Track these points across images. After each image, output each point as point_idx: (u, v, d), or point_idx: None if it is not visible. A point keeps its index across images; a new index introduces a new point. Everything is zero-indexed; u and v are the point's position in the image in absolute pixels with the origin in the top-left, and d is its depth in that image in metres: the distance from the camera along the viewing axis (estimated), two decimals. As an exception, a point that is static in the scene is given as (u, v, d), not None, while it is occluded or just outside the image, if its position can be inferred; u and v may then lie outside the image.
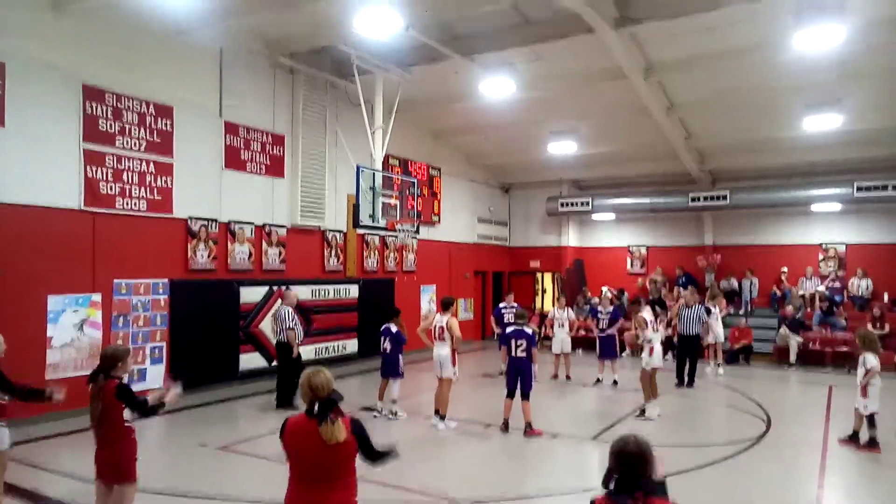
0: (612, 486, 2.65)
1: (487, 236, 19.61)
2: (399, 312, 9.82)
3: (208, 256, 10.94)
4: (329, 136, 13.20)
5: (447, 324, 8.88)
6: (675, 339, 12.47)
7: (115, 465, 4.43)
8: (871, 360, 7.73)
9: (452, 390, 8.98)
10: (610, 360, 12.15)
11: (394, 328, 9.42)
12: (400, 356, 9.33)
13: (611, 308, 12.65)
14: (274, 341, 10.24)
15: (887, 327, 14.23)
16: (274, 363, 11.83)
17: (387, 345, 9.35)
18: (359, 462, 3.44)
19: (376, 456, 3.52)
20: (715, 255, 18.04)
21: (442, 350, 8.88)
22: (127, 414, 4.44)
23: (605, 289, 17.87)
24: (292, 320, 9.88)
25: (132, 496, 4.53)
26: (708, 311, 13.51)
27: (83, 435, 8.06)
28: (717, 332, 13.91)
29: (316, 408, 3.34)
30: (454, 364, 8.87)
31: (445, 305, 9.17)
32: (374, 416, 9.20)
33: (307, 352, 12.46)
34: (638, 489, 2.60)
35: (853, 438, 7.90)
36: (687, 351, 12.14)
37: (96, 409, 4.39)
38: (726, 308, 15.54)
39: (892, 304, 15.58)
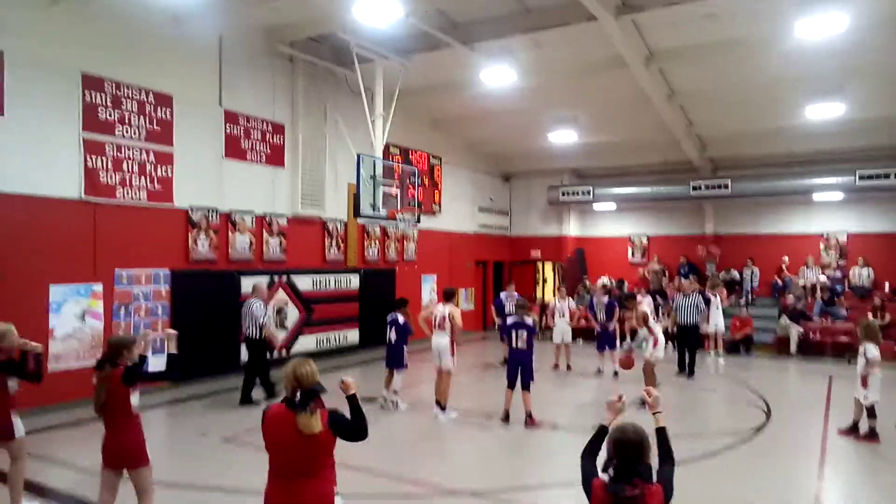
0: (611, 472, 2.75)
1: (488, 226, 19.58)
2: (406, 302, 9.73)
3: (209, 246, 10.93)
4: (329, 124, 13.15)
5: (449, 313, 8.89)
6: (672, 329, 12.47)
7: (127, 450, 4.49)
8: (872, 350, 7.72)
9: (453, 381, 9.00)
10: (610, 350, 12.16)
11: (401, 318, 9.33)
12: (405, 347, 9.31)
13: (606, 299, 12.56)
14: (246, 336, 9.64)
15: (888, 317, 14.24)
16: (275, 355, 11.91)
17: (392, 335, 9.25)
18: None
19: (358, 435, 3.48)
20: (715, 248, 18.01)
21: (441, 340, 8.89)
22: (134, 400, 4.49)
23: (602, 279, 17.86)
24: (265, 315, 9.62)
25: (150, 478, 4.60)
26: (707, 301, 13.55)
27: (85, 425, 8.11)
28: (717, 321, 13.94)
29: (298, 397, 3.35)
30: (453, 354, 8.88)
31: (448, 296, 9.17)
32: (381, 407, 9.22)
33: (309, 342, 12.52)
34: (636, 475, 2.71)
35: (853, 429, 7.92)
36: (686, 340, 12.15)
37: (101, 396, 4.42)
38: (727, 298, 15.56)
39: (894, 293, 15.58)
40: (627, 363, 9.77)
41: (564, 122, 15.35)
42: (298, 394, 3.36)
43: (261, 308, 9.60)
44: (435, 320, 9.03)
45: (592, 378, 11.91)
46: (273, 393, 9.52)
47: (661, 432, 3.14)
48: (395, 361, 9.25)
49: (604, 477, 2.85)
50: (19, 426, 5.18)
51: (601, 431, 3.15)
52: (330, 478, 3.44)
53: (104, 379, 4.42)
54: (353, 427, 3.46)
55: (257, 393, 9.60)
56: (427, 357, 9.52)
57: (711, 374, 12.52)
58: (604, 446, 3.00)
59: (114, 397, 4.41)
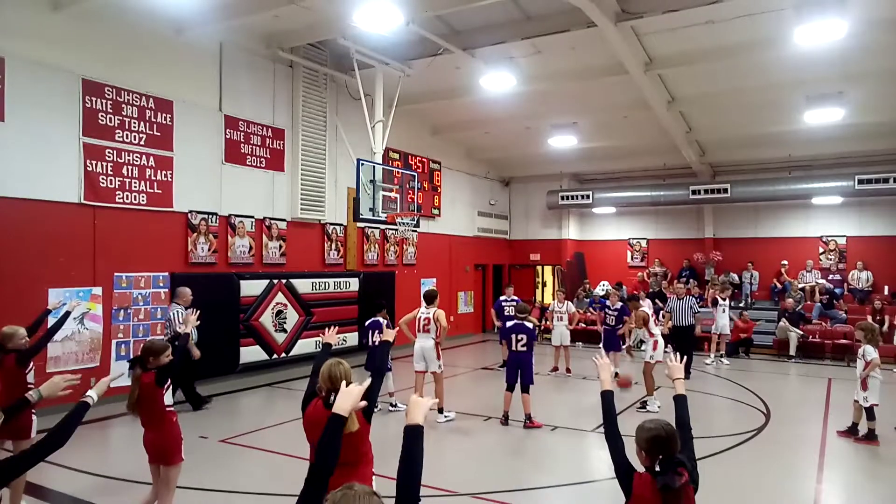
0: (657, 467, 2.90)
1: (488, 229, 19.61)
2: (384, 307, 9.54)
3: (209, 250, 10.95)
4: (329, 129, 13.19)
5: (434, 315, 8.81)
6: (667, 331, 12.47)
7: (161, 447, 4.73)
8: (871, 352, 7.74)
9: (451, 384, 9.00)
10: (613, 352, 12.12)
11: (383, 321, 9.21)
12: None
13: (619, 305, 12.41)
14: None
15: (887, 320, 14.25)
16: (274, 356, 11.95)
17: (375, 338, 9.08)
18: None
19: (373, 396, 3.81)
20: (716, 253, 18.05)
21: (426, 343, 8.84)
22: (167, 399, 4.76)
23: (606, 284, 17.86)
24: (184, 321, 9.15)
25: (177, 476, 4.82)
26: (715, 303, 13.63)
27: (83, 428, 8.12)
28: (722, 323, 14.00)
29: (332, 398, 3.45)
30: (439, 357, 8.85)
31: (429, 299, 9.08)
32: (376, 410, 9.21)
33: (309, 345, 12.52)
34: (680, 465, 2.88)
35: (852, 430, 7.94)
36: (680, 341, 12.13)
37: (134, 394, 4.63)
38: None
39: (893, 296, 15.60)
40: (624, 383, 9.51)
41: (564, 127, 15.40)
42: (333, 395, 3.47)
43: (179, 314, 9.01)
44: (418, 323, 8.96)
45: (593, 381, 11.91)
46: (199, 405, 9.32)
47: (682, 399, 3.40)
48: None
49: (641, 470, 2.97)
50: (35, 426, 5.29)
51: (608, 399, 3.32)
52: (368, 463, 3.68)
53: (136, 381, 4.65)
54: (375, 389, 3.75)
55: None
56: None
57: (711, 376, 12.52)
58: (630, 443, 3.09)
59: (148, 399, 4.66)
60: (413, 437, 2.55)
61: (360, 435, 3.58)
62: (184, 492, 5.91)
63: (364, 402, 2.94)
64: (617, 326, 12.19)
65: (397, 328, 3.88)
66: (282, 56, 11.89)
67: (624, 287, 18.10)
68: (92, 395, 3.54)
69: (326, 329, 4.68)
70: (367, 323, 9.36)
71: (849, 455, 7.50)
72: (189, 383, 9.39)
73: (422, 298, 9.53)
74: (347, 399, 2.77)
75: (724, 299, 14.17)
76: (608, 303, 12.63)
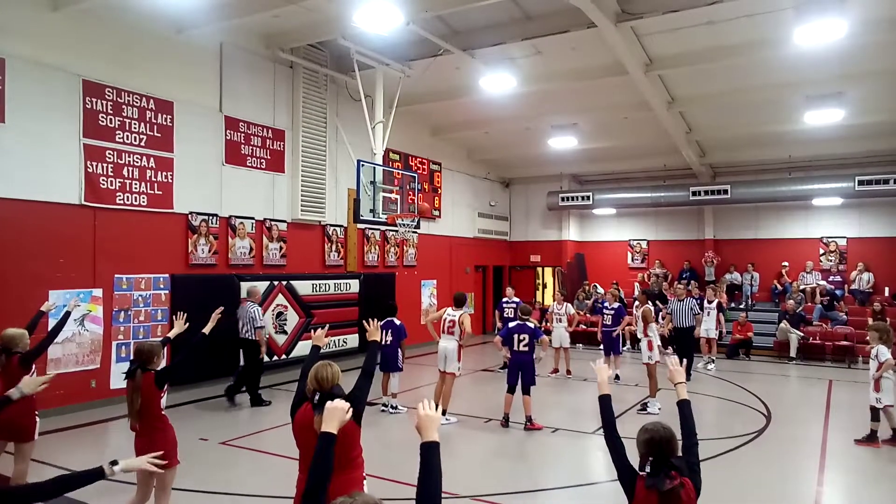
0: (647, 469, 2.88)
1: (488, 231, 19.60)
2: (396, 309, 9.91)
3: (209, 251, 10.94)
4: (329, 130, 13.19)
5: (459, 318, 8.94)
6: (668, 332, 12.46)
7: (159, 451, 4.55)
8: (884, 352, 7.65)
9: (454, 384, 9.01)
10: (615, 355, 12.10)
11: (397, 321, 9.47)
12: (399, 350, 9.37)
13: (616, 305, 12.48)
14: (244, 338, 9.94)
15: (888, 321, 14.21)
16: (275, 357, 11.93)
17: (389, 337, 9.31)
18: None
19: (365, 389, 3.74)
20: (716, 255, 18.05)
21: (449, 344, 8.92)
22: (163, 402, 4.71)
23: (597, 286, 17.90)
24: (262, 318, 9.90)
25: (173, 479, 4.77)
26: (720, 307, 13.63)
27: (83, 429, 8.12)
28: (706, 327, 13.98)
29: (317, 399, 3.45)
30: (459, 359, 8.89)
31: (459, 302, 9.29)
32: (382, 410, 9.23)
33: (308, 347, 12.50)
34: (673, 468, 2.83)
35: (871, 438, 7.75)
36: (680, 343, 12.11)
37: (136, 401, 4.56)
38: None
39: (893, 298, 15.59)
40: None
41: (564, 127, 15.39)
42: (317, 396, 3.47)
43: (258, 312, 9.84)
44: (443, 324, 9.06)
45: (593, 382, 11.87)
46: (259, 401, 9.66)
47: (685, 405, 3.29)
48: (391, 364, 9.28)
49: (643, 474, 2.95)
50: (38, 428, 5.33)
51: (605, 403, 3.32)
52: (358, 467, 3.59)
53: (137, 385, 4.57)
54: (365, 390, 3.70)
55: (241, 397, 9.77)
56: (424, 361, 9.52)
57: (710, 377, 12.50)
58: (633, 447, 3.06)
59: (147, 400, 4.60)
60: (430, 454, 2.50)
61: (350, 438, 3.44)
62: (184, 493, 5.90)
63: (349, 416, 2.87)
64: (614, 327, 12.17)
65: (377, 328, 3.85)
66: (282, 56, 11.89)
67: (620, 290, 18.09)
68: (118, 468, 2.95)
69: (314, 330, 4.58)
70: (381, 323, 9.42)
71: (850, 456, 7.47)
72: (256, 381, 9.77)
73: (433, 299, 9.63)
74: (333, 417, 2.75)
75: (710, 302, 14.16)
76: (605, 304, 12.61)
